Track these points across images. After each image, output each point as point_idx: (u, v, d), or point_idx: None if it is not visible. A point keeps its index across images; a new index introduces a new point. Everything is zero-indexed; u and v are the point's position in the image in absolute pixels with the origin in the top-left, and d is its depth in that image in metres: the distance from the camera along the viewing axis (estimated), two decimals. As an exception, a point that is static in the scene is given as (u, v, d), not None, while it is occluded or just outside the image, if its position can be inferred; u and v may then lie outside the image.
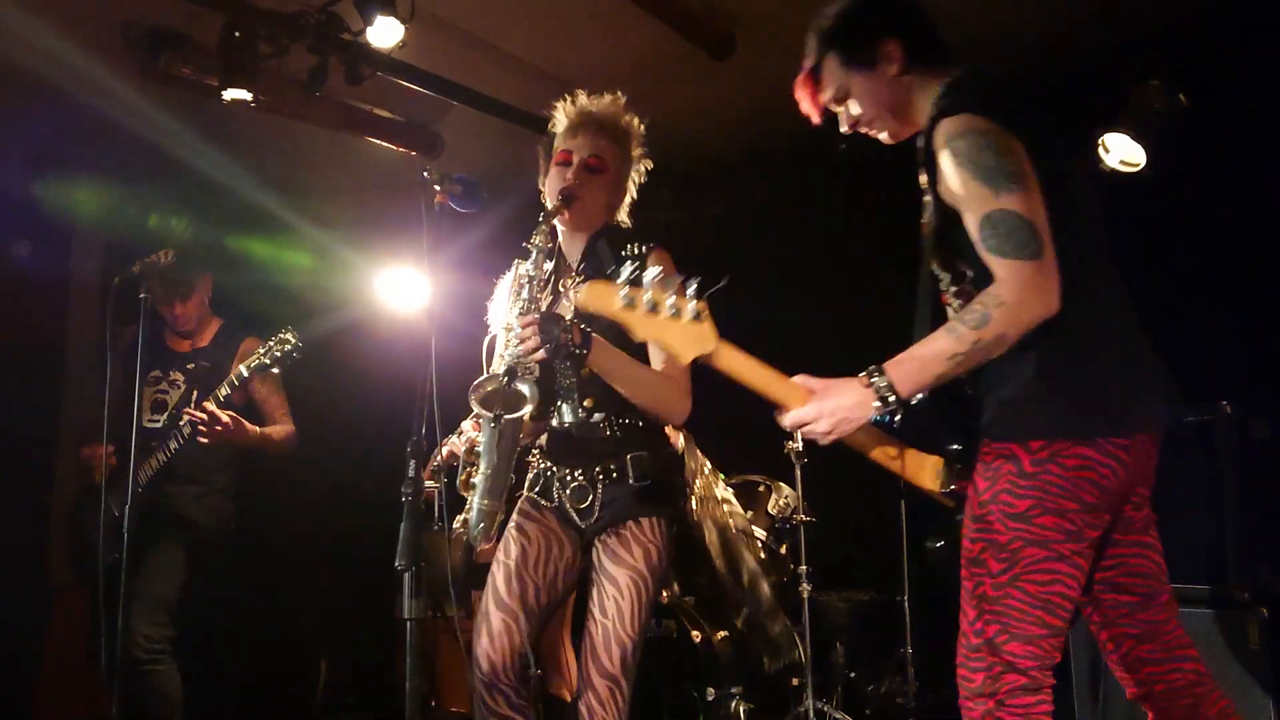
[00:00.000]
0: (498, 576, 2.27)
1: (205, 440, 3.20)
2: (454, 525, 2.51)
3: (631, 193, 2.45)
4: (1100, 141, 3.53)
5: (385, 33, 3.34)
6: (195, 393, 3.39)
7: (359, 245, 4.66)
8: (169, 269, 3.09)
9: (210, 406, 3.18)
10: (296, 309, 4.64)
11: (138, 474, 3.11)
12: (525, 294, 2.20)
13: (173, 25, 3.69)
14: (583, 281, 2.23)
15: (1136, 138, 3.42)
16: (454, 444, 2.78)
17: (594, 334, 2.11)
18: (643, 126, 2.44)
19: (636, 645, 2.21)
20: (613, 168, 2.35)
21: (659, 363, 2.25)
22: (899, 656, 4.16)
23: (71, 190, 4.33)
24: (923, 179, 1.88)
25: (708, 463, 3.66)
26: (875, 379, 1.74)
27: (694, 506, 3.23)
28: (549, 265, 2.37)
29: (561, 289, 2.38)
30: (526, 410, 2.10)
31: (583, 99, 2.41)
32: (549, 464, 2.36)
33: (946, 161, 1.76)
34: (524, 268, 2.22)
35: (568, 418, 2.32)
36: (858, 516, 4.33)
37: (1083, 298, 1.75)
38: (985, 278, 1.73)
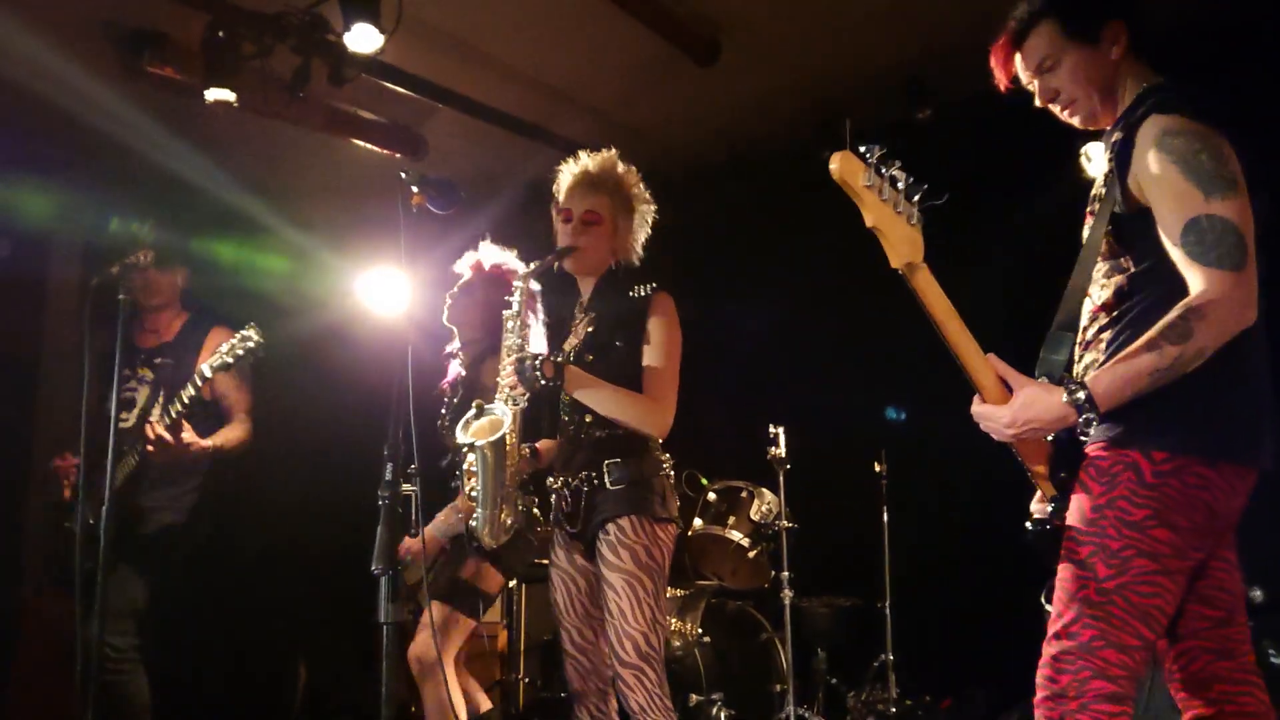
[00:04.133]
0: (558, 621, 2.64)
1: (156, 459, 3.15)
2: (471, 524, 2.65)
3: (643, 231, 2.69)
4: (1083, 151, 3.54)
5: (364, 39, 3.33)
6: (162, 392, 3.33)
7: (339, 247, 4.62)
8: (149, 267, 3.05)
9: (159, 429, 3.10)
10: (275, 311, 4.62)
11: (113, 477, 3.07)
12: (513, 330, 2.53)
13: (155, 24, 3.66)
14: (590, 320, 2.60)
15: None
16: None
17: (568, 364, 2.46)
18: (639, 180, 2.68)
19: (647, 634, 2.41)
20: (609, 218, 2.62)
21: (653, 357, 2.50)
22: (880, 663, 4.17)
23: (49, 194, 4.28)
24: (1105, 167, 1.84)
25: None
26: (1076, 394, 1.68)
27: None
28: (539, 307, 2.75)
29: (573, 324, 2.69)
30: (504, 432, 2.47)
31: (581, 159, 2.66)
32: (553, 478, 2.63)
33: (1154, 156, 1.72)
34: (512, 306, 2.55)
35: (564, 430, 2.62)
36: (840, 523, 4.33)
37: None
38: (1147, 274, 1.74)
